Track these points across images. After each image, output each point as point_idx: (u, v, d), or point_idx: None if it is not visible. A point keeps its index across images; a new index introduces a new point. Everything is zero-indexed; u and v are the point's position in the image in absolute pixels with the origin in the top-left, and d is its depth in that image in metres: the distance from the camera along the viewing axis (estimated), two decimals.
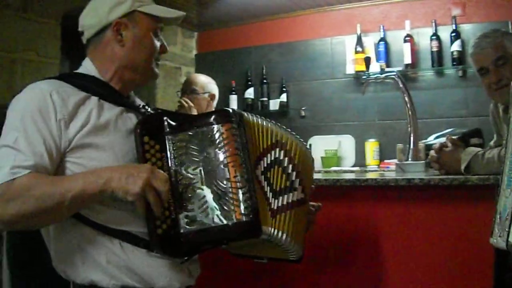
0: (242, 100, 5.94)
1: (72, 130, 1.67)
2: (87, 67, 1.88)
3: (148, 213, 1.65)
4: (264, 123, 1.85)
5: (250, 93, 5.91)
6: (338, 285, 2.52)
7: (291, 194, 1.86)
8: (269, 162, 1.82)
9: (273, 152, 1.85)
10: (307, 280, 2.59)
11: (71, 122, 1.68)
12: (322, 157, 5.35)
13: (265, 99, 5.86)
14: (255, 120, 1.82)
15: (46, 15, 4.26)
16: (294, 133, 1.96)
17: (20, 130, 1.62)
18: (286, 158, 1.87)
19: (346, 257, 2.51)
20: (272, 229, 1.74)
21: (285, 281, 2.63)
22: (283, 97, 5.76)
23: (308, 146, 2.10)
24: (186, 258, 1.74)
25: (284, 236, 1.77)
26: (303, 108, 5.68)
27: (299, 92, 5.76)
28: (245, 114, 1.79)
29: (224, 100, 5.58)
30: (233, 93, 5.97)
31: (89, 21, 1.87)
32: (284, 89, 5.76)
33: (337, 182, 2.52)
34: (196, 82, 4.12)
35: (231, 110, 1.75)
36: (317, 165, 5.38)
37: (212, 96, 4.13)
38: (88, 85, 1.80)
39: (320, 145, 5.44)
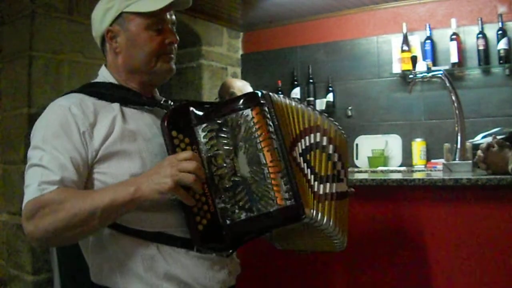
0: None
1: (97, 140, 1.65)
2: (104, 75, 1.87)
3: (186, 209, 1.62)
4: (295, 105, 1.76)
5: (296, 93, 5.95)
6: (382, 286, 2.53)
7: (335, 184, 1.77)
8: (307, 144, 1.73)
9: (312, 136, 1.75)
10: (351, 280, 2.61)
11: (95, 131, 1.66)
12: (368, 157, 5.37)
13: (312, 98, 5.88)
14: (286, 102, 1.73)
15: None
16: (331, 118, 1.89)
17: (44, 148, 1.61)
18: (331, 146, 1.80)
19: (392, 257, 2.52)
20: (315, 212, 1.65)
21: (327, 281, 2.65)
22: (330, 97, 5.78)
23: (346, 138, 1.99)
24: (231, 251, 1.72)
25: (328, 221, 1.69)
26: (350, 107, 5.69)
27: (345, 91, 5.77)
28: (275, 95, 1.70)
29: None
30: (279, 93, 5.91)
31: (93, 33, 1.88)
32: (330, 88, 5.79)
33: (384, 182, 2.52)
34: (234, 86, 4.24)
35: (259, 93, 1.65)
36: (364, 164, 5.41)
37: None
38: (107, 92, 1.78)
39: (366, 145, 5.47)
